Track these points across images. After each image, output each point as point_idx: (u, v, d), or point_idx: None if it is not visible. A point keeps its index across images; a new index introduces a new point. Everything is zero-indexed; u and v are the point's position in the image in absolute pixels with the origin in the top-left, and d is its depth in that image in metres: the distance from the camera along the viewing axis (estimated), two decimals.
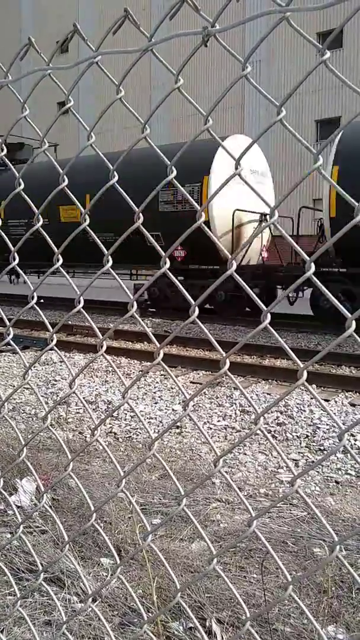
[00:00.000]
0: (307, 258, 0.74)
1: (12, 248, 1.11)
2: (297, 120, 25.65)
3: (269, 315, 0.78)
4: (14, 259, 1.11)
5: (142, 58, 0.86)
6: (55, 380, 6.33)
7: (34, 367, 7.09)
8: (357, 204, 0.70)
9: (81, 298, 0.94)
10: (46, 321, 0.99)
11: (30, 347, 8.39)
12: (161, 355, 0.83)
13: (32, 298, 1.00)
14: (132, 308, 0.87)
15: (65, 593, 2.22)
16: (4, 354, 7.63)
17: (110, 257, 0.95)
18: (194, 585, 2.22)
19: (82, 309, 0.94)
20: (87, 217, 1.02)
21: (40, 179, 9.69)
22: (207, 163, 11.44)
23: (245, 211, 11.54)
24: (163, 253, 0.88)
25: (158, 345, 0.84)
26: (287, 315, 11.64)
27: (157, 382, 6.18)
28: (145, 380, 6.31)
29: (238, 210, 11.39)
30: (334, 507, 3.13)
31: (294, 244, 0.85)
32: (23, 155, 16.83)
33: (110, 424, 4.78)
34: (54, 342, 0.98)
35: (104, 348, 0.92)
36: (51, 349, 1.00)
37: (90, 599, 1.00)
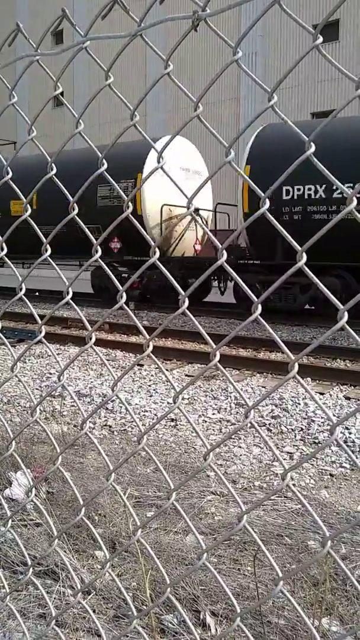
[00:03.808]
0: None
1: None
2: (293, 112, 25.55)
3: (259, 307, 0.77)
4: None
5: (138, 47, 0.84)
6: (50, 374, 6.31)
7: (29, 359, 7.07)
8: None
9: (69, 289, 0.92)
10: (35, 312, 0.98)
11: (25, 340, 8.36)
12: (150, 347, 0.82)
13: (21, 289, 0.99)
14: (122, 299, 0.85)
15: (59, 586, 2.22)
16: None
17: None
18: (188, 577, 2.22)
19: (70, 300, 0.92)
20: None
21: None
22: (141, 161, 12.26)
23: (174, 206, 12.44)
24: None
25: (148, 337, 0.83)
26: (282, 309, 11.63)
27: (152, 375, 6.18)
28: (140, 373, 6.30)
29: (166, 205, 12.39)
30: (329, 500, 3.14)
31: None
32: None
33: (105, 416, 4.77)
34: (43, 334, 0.96)
35: (93, 340, 0.90)
36: (39, 341, 0.98)
37: (80, 594, 0.99)
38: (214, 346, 0.81)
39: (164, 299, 12.51)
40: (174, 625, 2.01)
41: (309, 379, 6.08)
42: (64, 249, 11.66)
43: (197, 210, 12.53)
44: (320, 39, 0.67)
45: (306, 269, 0.74)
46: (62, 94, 1.14)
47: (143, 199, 12.29)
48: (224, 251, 0.78)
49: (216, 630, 2.00)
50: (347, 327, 0.71)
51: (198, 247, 13.53)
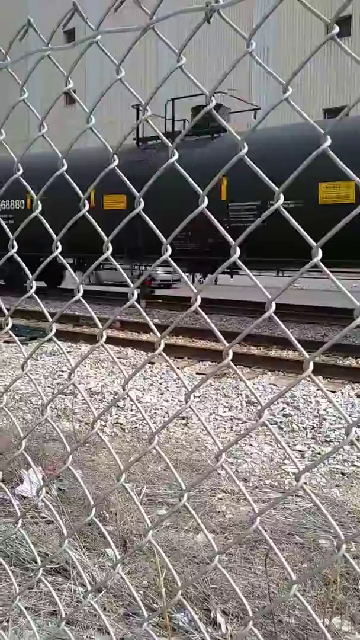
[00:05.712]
0: (314, 244, 0.71)
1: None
2: (305, 108, 25.34)
3: (273, 304, 0.76)
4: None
5: (150, 41, 0.83)
6: (62, 371, 6.33)
7: (41, 357, 7.09)
8: None
9: (80, 287, 0.92)
10: (45, 310, 0.97)
11: (37, 337, 8.39)
12: (162, 345, 0.81)
13: (31, 287, 0.98)
14: (133, 297, 0.84)
15: (70, 583, 2.22)
16: (11, 344, 7.64)
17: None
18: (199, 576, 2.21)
19: (81, 298, 0.91)
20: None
21: None
22: None
23: None
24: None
25: (159, 335, 0.82)
26: (293, 306, 11.59)
27: (163, 373, 6.17)
28: (151, 371, 6.30)
29: None
30: (340, 499, 3.12)
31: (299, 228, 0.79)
32: None
33: (116, 414, 4.77)
34: (53, 331, 0.95)
35: (104, 338, 0.89)
36: (50, 339, 0.98)
37: (90, 594, 0.98)
38: (227, 345, 0.80)
39: None
40: (184, 623, 2.00)
41: (320, 377, 6.05)
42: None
43: None
44: (337, 29, 0.66)
45: (322, 265, 0.73)
46: (74, 90, 1.13)
47: None
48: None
49: (227, 629, 1.99)
50: None
51: None
